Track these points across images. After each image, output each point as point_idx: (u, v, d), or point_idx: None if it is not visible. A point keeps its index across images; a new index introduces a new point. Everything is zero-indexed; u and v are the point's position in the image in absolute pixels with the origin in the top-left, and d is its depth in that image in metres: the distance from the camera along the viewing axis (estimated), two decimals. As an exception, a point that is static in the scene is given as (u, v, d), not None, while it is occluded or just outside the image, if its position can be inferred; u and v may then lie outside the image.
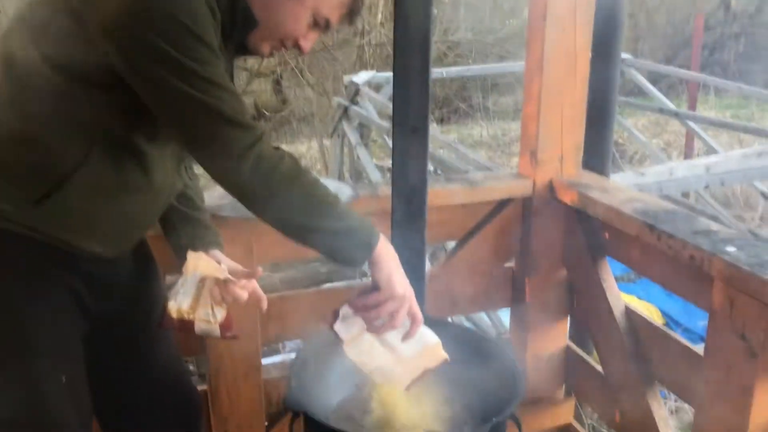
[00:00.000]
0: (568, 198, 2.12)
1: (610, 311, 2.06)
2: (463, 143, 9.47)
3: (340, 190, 2.08)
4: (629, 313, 2.05)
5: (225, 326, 1.53)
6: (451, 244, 3.08)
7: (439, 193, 2.09)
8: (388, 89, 6.07)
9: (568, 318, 2.37)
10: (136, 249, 1.56)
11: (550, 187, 2.18)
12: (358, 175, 5.88)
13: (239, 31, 1.33)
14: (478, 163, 3.69)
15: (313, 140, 9.04)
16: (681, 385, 1.84)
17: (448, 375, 1.67)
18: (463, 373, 1.65)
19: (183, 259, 1.51)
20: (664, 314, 4.07)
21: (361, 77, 5.79)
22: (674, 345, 1.86)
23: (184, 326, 1.50)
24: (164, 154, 1.40)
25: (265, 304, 1.54)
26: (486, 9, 9.58)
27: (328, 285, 4.39)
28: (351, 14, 1.41)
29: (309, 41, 1.39)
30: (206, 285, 1.50)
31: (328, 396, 1.62)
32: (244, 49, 1.39)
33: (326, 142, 7.46)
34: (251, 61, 10.43)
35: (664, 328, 1.94)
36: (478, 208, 2.20)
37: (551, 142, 2.15)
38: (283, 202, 1.28)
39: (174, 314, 1.48)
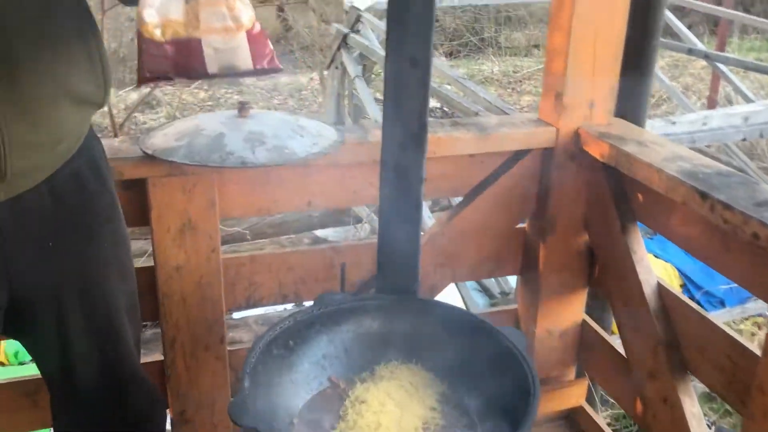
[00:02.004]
0: (597, 151, 1.77)
1: (638, 287, 1.73)
2: (472, 79, 9.01)
3: (323, 132, 1.73)
4: (662, 290, 1.73)
5: (256, 40, 0.92)
6: (455, 200, 2.75)
7: (443, 140, 1.74)
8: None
9: (586, 290, 2.05)
10: (62, 183, 1.15)
11: (576, 138, 1.82)
12: (357, 111, 5.48)
13: None
14: (488, 102, 3.32)
15: (315, 71, 8.60)
16: (724, 384, 1.53)
17: (441, 371, 1.36)
18: (460, 367, 1.34)
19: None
20: (682, 275, 3.77)
21: (363, 2, 5.32)
22: (718, 336, 1.54)
23: (182, 58, 0.87)
24: None
25: None
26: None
27: (319, 231, 4.10)
28: None
29: None
30: None
31: (294, 393, 1.31)
32: None
33: (327, 73, 7.05)
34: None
35: (705, 314, 1.62)
36: (489, 159, 1.85)
37: (581, 83, 1.78)
38: None
39: (157, 36, 0.87)
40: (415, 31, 1.31)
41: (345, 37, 5.15)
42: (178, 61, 0.90)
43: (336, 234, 4.03)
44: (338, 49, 5.28)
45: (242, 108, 1.73)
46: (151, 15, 0.86)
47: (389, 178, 1.38)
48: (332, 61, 5.49)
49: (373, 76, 5.92)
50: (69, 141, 1.15)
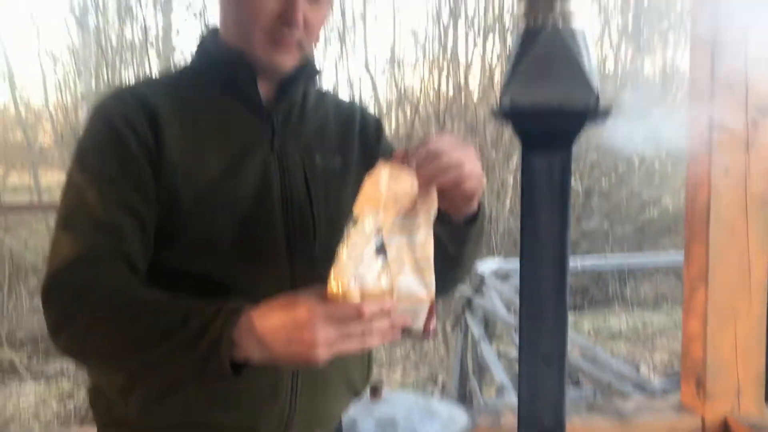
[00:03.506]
0: (751, 444, 1.64)
1: None
2: (598, 335, 8.77)
3: (454, 416, 1.72)
4: None
5: (432, 307, 0.93)
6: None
7: (579, 430, 1.67)
8: (516, 279, 5.71)
9: None
10: None
11: (725, 428, 1.70)
12: (481, 370, 5.42)
13: (239, 74, 1.13)
14: (621, 374, 3.19)
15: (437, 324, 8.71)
16: None
17: None
18: None
19: None
20: None
21: (487, 266, 5.51)
22: None
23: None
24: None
25: None
26: (622, 197, 9.24)
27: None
28: None
29: (290, 7, 1.09)
30: (396, 222, 0.88)
31: None
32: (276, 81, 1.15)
33: (449, 329, 7.13)
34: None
35: None
36: (630, 449, 1.75)
37: (723, 370, 1.70)
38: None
39: (352, 295, 0.84)
40: (549, 329, 1.33)
41: (469, 300, 5.29)
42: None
43: None
44: (462, 311, 5.40)
45: (374, 391, 1.77)
46: (355, 288, 0.86)
47: (526, 478, 1.32)
48: (457, 322, 5.59)
49: (495, 337, 5.92)
50: (331, 425, 1.24)
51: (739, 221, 1.70)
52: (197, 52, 1.19)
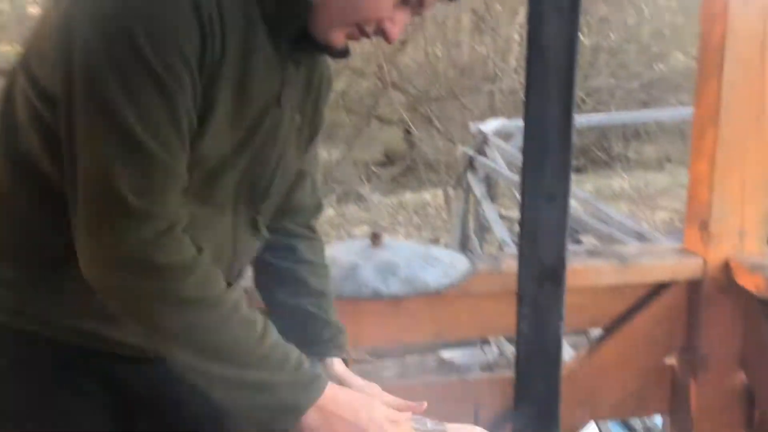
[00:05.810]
0: (751, 283, 1.64)
1: (810, 437, 1.54)
2: (600, 195, 8.83)
3: (455, 262, 1.72)
4: (840, 442, 1.52)
5: None
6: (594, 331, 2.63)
7: (580, 271, 1.67)
8: (520, 138, 5.67)
9: (746, 435, 1.85)
10: None
11: (727, 269, 1.70)
12: (483, 230, 5.48)
13: (291, 21, 0.99)
14: (623, 224, 3.20)
15: (439, 188, 8.76)
16: None
17: None
18: None
19: None
20: None
21: (490, 125, 5.44)
22: None
23: None
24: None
25: None
26: (630, 52, 8.96)
27: (445, 353, 4.02)
28: None
29: (397, 24, 1.00)
30: None
31: None
32: (310, 43, 1.04)
33: (452, 191, 7.17)
34: (379, 109, 10.41)
35: None
36: (630, 291, 1.76)
37: (729, 211, 1.68)
38: (171, 336, 0.93)
39: None
40: (552, 167, 1.29)
41: (471, 159, 5.25)
42: None
43: (463, 356, 3.93)
44: (464, 170, 5.37)
45: (375, 238, 1.76)
46: None
47: (526, 315, 1.33)
48: (458, 182, 5.59)
49: (498, 196, 5.95)
50: None
51: (756, 57, 1.62)
52: None
